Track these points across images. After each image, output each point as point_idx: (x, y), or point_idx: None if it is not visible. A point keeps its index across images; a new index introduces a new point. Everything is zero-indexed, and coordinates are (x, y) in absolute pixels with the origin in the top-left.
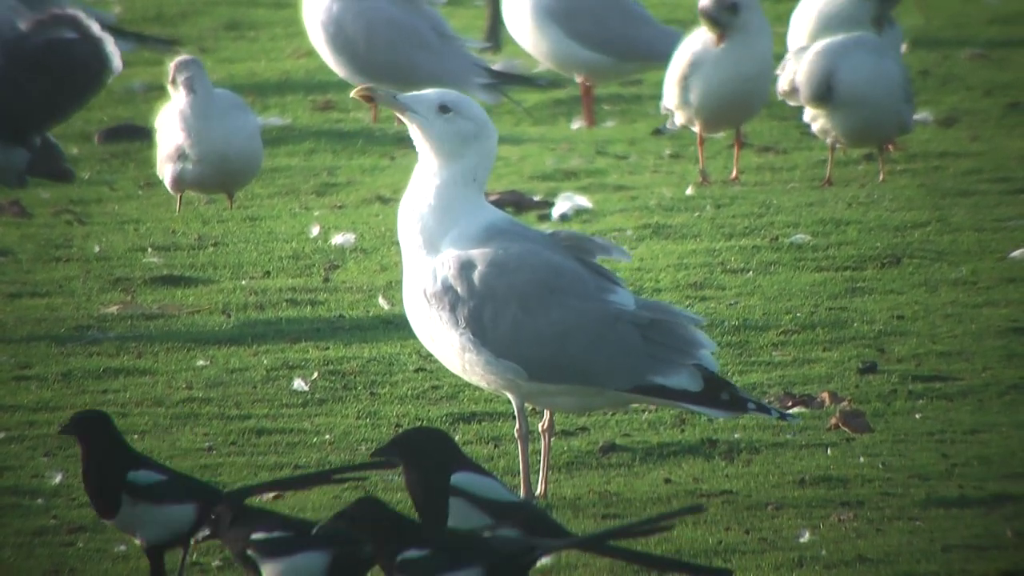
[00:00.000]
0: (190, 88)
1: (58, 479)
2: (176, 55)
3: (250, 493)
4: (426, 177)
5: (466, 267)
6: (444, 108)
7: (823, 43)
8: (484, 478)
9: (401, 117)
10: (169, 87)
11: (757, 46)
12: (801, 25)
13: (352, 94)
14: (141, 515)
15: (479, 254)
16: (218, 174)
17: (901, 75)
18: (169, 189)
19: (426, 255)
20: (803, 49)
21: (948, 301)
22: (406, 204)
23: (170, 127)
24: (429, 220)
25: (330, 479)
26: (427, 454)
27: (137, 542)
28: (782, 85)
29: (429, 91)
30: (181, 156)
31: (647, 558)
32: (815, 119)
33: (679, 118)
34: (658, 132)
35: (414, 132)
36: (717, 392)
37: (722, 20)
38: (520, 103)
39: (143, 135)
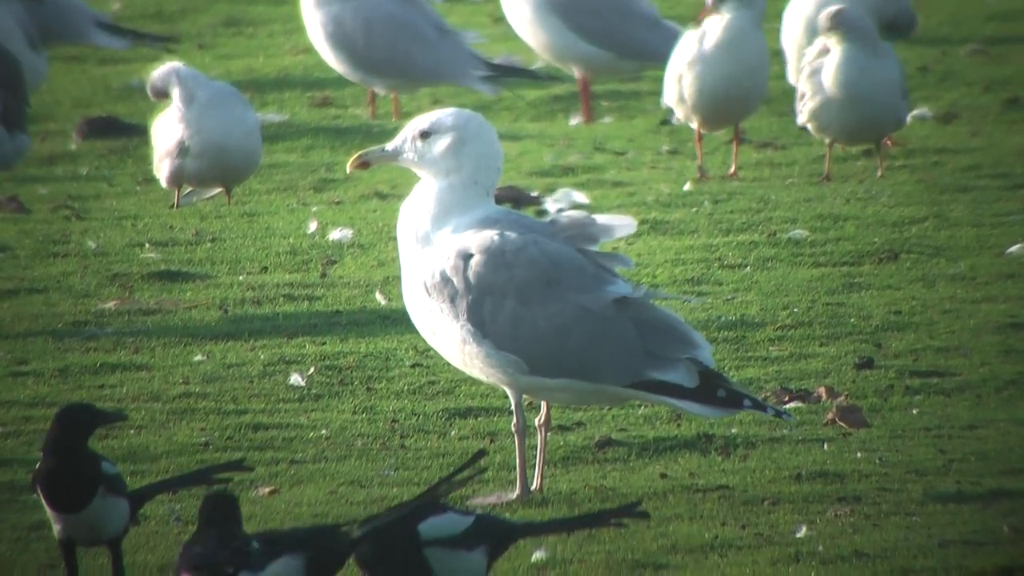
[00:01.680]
0: (191, 92)
1: None
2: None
3: (145, 497)
4: (428, 186)
5: (464, 258)
6: (423, 134)
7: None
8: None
9: (395, 164)
10: (168, 93)
11: (750, 44)
12: (794, 27)
13: (348, 168)
14: (110, 508)
15: (477, 245)
16: (216, 167)
17: (897, 72)
18: (164, 185)
19: (423, 249)
20: (813, 72)
21: (946, 297)
22: (407, 204)
23: (168, 124)
24: (427, 218)
25: (210, 479)
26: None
27: (56, 535)
28: (801, 119)
29: (407, 126)
30: (181, 151)
31: (565, 523)
32: (812, 118)
33: (678, 113)
34: (666, 123)
35: (410, 168)
36: (713, 388)
37: None
38: (521, 96)
39: (128, 131)
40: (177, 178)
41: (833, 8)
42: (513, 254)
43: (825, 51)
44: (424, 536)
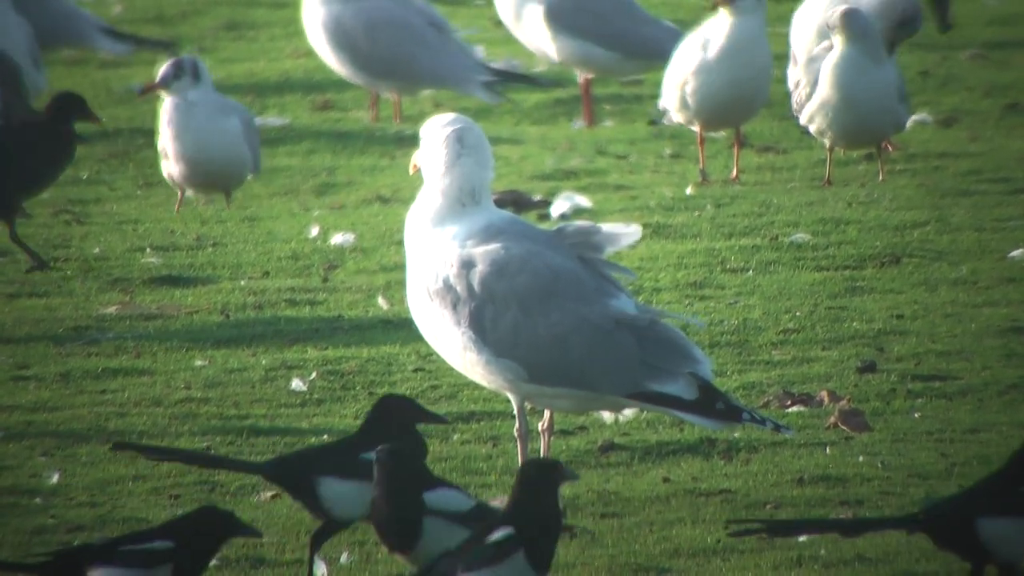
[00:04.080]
0: (184, 91)
1: (56, 478)
2: (176, 54)
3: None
4: (428, 190)
5: (467, 266)
6: (421, 139)
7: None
8: (452, 493)
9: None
10: (166, 88)
11: (755, 47)
12: (804, 29)
13: (411, 171)
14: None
15: (480, 254)
16: (196, 174)
17: (895, 76)
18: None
19: (428, 253)
20: (812, 60)
21: (947, 301)
22: (413, 208)
23: (162, 123)
24: (428, 223)
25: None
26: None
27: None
28: (799, 114)
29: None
30: (164, 154)
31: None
32: (811, 120)
33: (678, 117)
34: (654, 123)
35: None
36: (712, 401)
37: None
38: (522, 100)
39: (129, 135)
40: (172, 180)
41: (847, 7)
42: (516, 264)
43: (830, 47)
44: (429, 505)
